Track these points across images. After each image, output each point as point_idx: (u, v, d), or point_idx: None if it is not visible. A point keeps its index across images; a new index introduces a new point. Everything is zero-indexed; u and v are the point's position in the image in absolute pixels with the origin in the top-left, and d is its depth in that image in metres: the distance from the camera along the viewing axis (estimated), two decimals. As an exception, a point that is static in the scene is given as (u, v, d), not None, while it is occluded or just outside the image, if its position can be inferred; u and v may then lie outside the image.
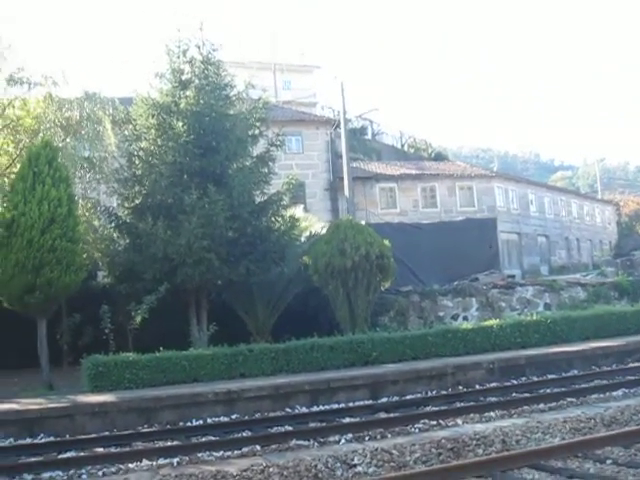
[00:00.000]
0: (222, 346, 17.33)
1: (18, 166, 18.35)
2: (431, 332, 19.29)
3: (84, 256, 18.88)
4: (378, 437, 10.97)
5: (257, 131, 21.42)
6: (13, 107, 19.65)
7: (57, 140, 19.21)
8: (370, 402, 14.89)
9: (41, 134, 19.08)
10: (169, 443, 11.57)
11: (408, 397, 15.24)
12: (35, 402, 14.18)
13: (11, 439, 12.62)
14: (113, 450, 11.28)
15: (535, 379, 16.74)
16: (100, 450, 11.36)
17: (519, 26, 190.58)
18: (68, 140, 19.98)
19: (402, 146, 58.29)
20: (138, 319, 18.90)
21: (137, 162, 20.63)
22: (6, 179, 19.11)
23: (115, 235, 21.16)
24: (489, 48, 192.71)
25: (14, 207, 16.98)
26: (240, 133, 20.54)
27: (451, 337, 18.98)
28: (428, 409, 13.49)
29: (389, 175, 42.19)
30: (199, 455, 10.31)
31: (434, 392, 15.73)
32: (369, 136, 54.92)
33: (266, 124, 21.89)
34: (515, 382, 16.46)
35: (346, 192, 29.80)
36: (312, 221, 25.40)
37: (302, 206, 31.89)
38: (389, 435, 11.05)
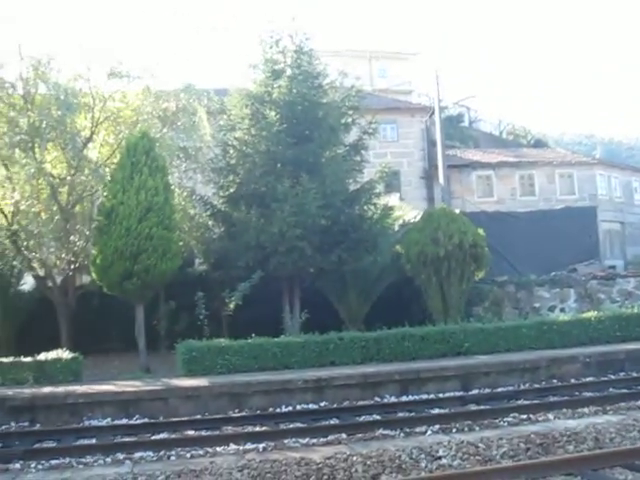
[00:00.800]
0: (313, 334, 17.48)
1: (118, 156, 18.90)
2: (526, 324, 18.84)
3: (180, 244, 19.37)
4: (465, 429, 10.81)
5: (350, 119, 21.39)
6: (113, 100, 20.26)
7: (154, 131, 19.70)
8: (460, 394, 14.71)
9: (139, 125, 19.62)
10: (257, 428, 11.77)
11: (499, 390, 14.97)
12: (132, 384, 14.70)
13: (108, 419, 13.18)
14: (203, 433, 11.57)
15: (634, 375, 16.08)
16: (191, 433, 11.68)
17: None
18: (165, 130, 20.48)
19: (500, 133, 57.01)
20: (232, 306, 19.31)
21: (231, 151, 20.97)
22: (107, 169, 19.73)
23: (210, 223, 21.62)
24: (590, 31, 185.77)
25: (113, 196, 17.59)
26: (333, 122, 20.57)
27: (547, 329, 18.49)
28: (519, 402, 13.23)
29: (486, 163, 41.32)
30: (285, 441, 10.44)
31: (527, 385, 15.40)
32: (466, 123, 54.00)
33: (359, 112, 21.80)
34: (613, 377, 15.89)
35: (441, 180, 29.38)
36: (406, 210, 25.20)
37: (397, 195, 31.69)
38: (477, 428, 10.88)
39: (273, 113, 19.73)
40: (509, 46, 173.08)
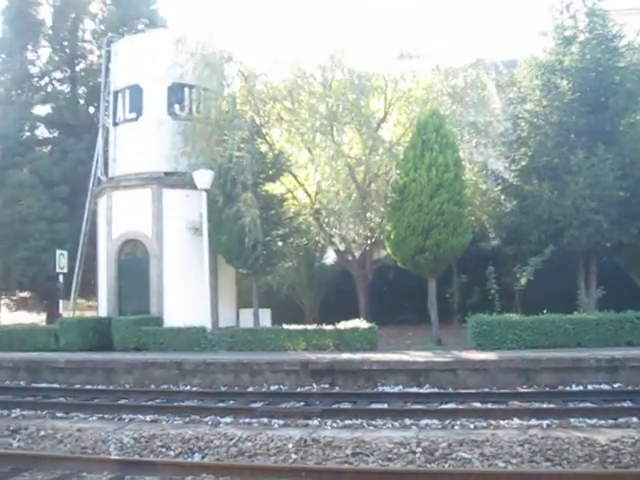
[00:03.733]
0: (609, 311, 16.70)
1: (410, 135, 19.53)
2: None
3: (471, 219, 19.56)
4: None
5: (651, 82, 19.84)
6: (404, 80, 20.96)
7: (444, 108, 20.02)
8: None
9: (429, 103, 20.04)
10: (544, 405, 11.65)
11: None
12: (423, 355, 15.31)
13: (400, 386, 13.91)
14: (489, 406, 11.72)
15: None
16: (477, 405, 11.90)
17: None
18: (454, 107, 20.68)
19: None
20: (523, 281, 19.09)
21: (522, 124, 20.56)
22: (400, 148, 20.48)
23: (502, 197, 21.49)
24: None
25: (405, 174, 18.27)
26: (631, 86, 19.22)
27: None
28: None
29: None
30: (571, 420, 10.24)
31: None
32: None
33: (664, 73, 20.13)
34: None
35: None
36: None
37: None
38: None
39: (565, 82, 19.02)
40: None
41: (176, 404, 12.77)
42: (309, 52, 20.27)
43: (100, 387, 15.53)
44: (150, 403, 13.00)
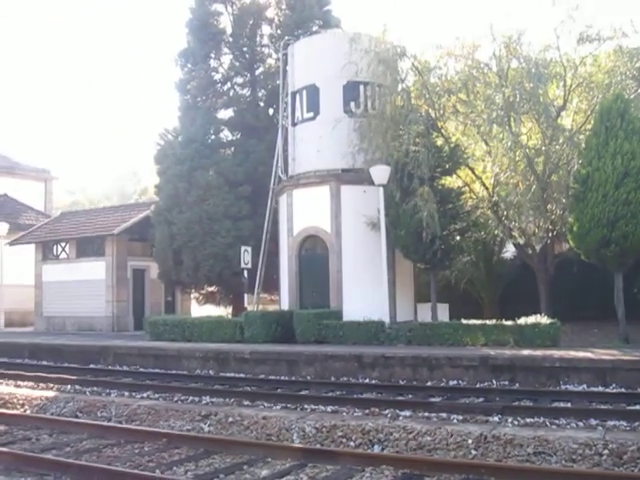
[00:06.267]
0: None
1: (592, 122, 18.70)
2: None
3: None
4: None
5: None
6: (584, 65, 20.06)
7: (628, 92, 18.94)
8: None
9: (612, 88, 19.04)
10: None
11: None
12: (609, 353, 14.64)
13: (584, 385, 13.39)
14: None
15: None
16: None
17: None
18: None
19: None
20: None
21: None
22: (581, 136, 19.65)
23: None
24: None
25: (588, 163, 17.52)
26: None
27: None
28: None
29: None
30: None
31: None
32: None
33: None
34: None
35: None
36: None
37: None
38: None
39: None
40: None
41: (356, 396, 13.07)
42: (483, 42, 19.98)
43: (283, 378, 16.14)
44: (331, 394, 13.38)
